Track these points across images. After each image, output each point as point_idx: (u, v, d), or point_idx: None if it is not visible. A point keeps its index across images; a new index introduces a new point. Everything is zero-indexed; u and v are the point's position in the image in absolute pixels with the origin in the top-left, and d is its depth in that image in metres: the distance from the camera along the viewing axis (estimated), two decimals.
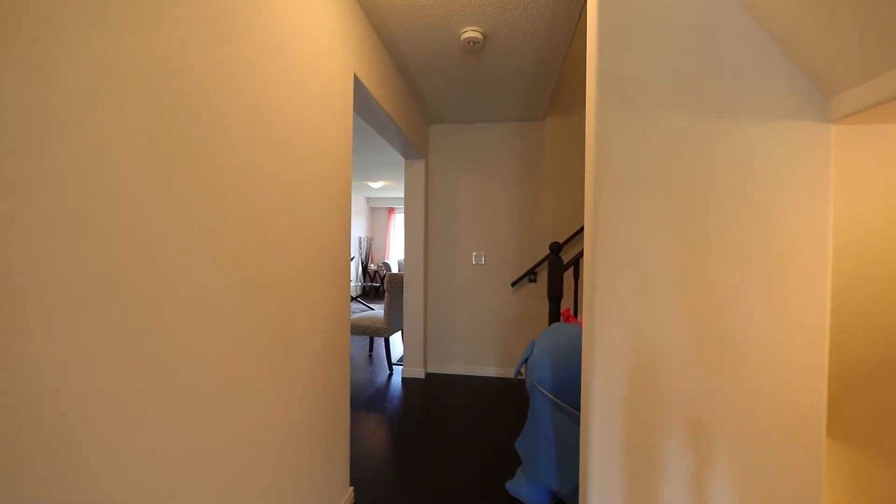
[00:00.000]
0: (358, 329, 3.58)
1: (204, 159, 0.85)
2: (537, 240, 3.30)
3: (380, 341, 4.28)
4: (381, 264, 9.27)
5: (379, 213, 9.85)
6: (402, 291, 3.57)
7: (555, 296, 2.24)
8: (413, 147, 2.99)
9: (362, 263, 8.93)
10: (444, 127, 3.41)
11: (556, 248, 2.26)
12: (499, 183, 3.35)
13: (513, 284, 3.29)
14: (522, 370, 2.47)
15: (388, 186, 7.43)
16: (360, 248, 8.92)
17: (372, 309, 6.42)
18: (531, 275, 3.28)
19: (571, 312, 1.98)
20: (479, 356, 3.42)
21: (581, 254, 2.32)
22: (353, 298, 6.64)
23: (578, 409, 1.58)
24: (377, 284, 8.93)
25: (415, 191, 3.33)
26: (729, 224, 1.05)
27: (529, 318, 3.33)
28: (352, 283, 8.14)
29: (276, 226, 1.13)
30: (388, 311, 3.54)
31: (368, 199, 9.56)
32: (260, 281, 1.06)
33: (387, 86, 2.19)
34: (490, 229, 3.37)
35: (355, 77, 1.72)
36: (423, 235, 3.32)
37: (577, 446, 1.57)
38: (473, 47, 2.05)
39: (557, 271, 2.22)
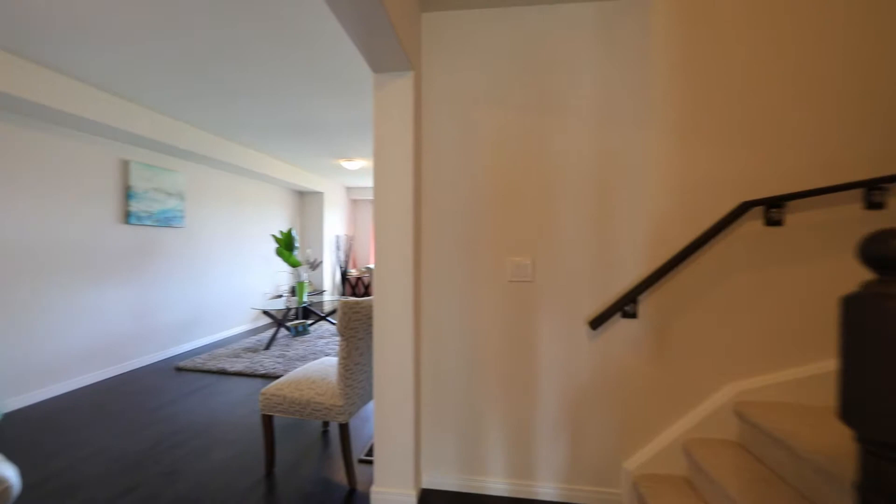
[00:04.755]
0: (279, 406, 1.89)
1: None
2: (642, 236, 1.65)
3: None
4: (364, 269, 7.58)
5: (362, 206, 8.14)
6: (371, 333, 1.90)
7: None
8: (392, 36, 1.33)
9: (341, 269, 7.22)
10: (450, 16, 1.75)
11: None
12: (562, 124, 1.69)
13: (594, 324, 1.63)
14: None
15: (369, 169, 5.75)
16: (338, 249, 7.21)
17: None
18: (629, 304, 1.62)
19: None
20: (523, 461, 1.75)
21: None
22: (320, 317, 4.93)
23: None
24: (359, 296, 7.22)
25: (393, 131, 1.65)
26: None
27: (629, 390, 1.67)
28: (326, 296, 6.43)
29: None
30: (344, 374, 1.85)
31: (348, 188, 7.85)
32: None
33: None
34: (544, 215, 1.71)
35: None
36: (410, 222, 1.65)
37: None
38: None
39: None
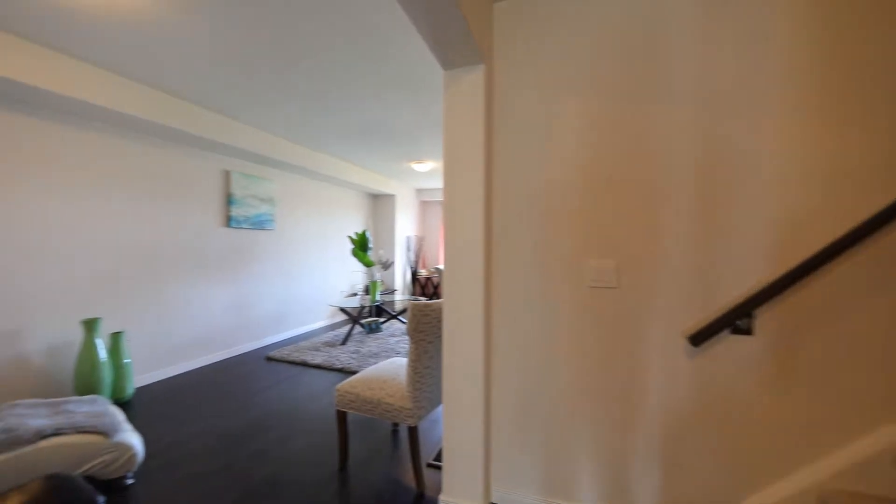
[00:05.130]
0: (352, 403, 1.93)
1: None
2: (761, 237, 1.37)
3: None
4: (433, 269, 7.70)
5: (431, 207, 8.28)
6: (441, 335, 1.86)
7: None
8: (463, 28, 1.28)
9: (411, 269, 7.42)
10: (525, 2, 1.63)
11: None
12: (659, 110, 1.47)
13: (695, 339, 1.39)
14: None
15: (439, 170, 5.80)
16: (408, 249, 7.41)
17: None
18: (742, 318, 1.36)
19: None
20: (609, 490, 1.57)
21: None
22: (391, 316, 5.10)
23: None
24: (429, 296, 7.35)
25: (463, 128, 1.59)
26: None
27: (742, 420, 1.40)
28: (397, 296, 6.65)
29: None
30: (413, 376, 1.84)
31: (418, 190, 8.03)
32: None
33: None
34: (632, 214, 1.51)
35: None
36: (480, 222, 1.57)
37: None
38: None
39: None
